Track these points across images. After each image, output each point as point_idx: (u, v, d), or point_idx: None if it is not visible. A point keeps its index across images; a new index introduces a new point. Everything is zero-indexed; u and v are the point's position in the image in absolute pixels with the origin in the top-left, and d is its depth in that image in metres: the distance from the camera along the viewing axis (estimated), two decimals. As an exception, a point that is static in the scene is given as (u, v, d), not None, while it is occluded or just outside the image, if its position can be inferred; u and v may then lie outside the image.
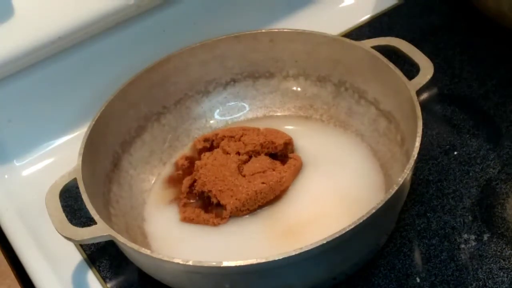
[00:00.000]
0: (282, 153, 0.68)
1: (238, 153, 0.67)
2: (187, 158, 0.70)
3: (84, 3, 0.68)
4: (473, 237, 0.60)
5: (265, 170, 0.65)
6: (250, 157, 0.67)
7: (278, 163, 0.66)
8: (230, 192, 0.63)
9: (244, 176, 0.65)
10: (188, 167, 0.69)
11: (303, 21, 0.84)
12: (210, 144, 0.71)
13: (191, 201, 0.66)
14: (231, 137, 0.70)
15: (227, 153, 0.68)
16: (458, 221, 0.61)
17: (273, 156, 0.68)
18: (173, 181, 0.69)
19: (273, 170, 0.65)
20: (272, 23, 0.83)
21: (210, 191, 0.64)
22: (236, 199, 0.62)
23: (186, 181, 0.67)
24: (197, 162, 0.67)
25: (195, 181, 0.66)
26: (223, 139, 0.70)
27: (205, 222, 0.63)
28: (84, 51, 0.73)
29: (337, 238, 0.49)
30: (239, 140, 0.69)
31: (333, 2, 0.87)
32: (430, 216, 0.62)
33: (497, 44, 0.78)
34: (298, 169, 0.66)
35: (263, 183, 0.63)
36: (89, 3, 0.69)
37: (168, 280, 0.57)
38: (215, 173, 0.65)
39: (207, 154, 0.68)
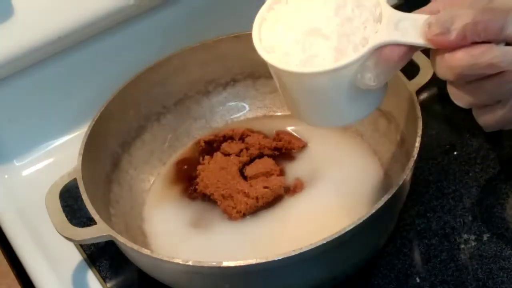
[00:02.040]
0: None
1: (238, 155, 0.68)
2: (187, 158, 0.70)
3: (84, 3, 0.68)
4: (473, 237, 0.60)
5: (268, 172, 0.65)
6: (251, 158, 0.67)
7: (279, 168, 0.66)
8: (231, 201, 0.63)
9: (246, 177, 0.65)
10: (188, 167, 0.69)
11: (303, 21, 0.83)
12: (211, 145, 0.71)
13: (194, 200, 0.66)
14: (232, 137, 0.70)
15: (228, 154, 0.68)
16: (458, 221, 0.61)
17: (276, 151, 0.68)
18: (173, 181, 0.69)
19: (278, 175, 0.65)
20: (272, 23, 0.82)
21: (212, 194, 0.64)
22: (237, 212, 0.63)
23: (185, 189, 0.67)
24: (199, 167, 0.67)
25: (197, 184, 0.66)
26: (224, 140, 0.70)
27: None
28: (84, 51, 0.73)
29: (337, 238, 0.49)
30: (243, 140, 0.69)
31: (333, 2, 0.87)
32: (430, 216, 0.62)
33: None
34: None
35: (265, 187, 0.63)
36: (89, 3, 0.68)
37: (168, 280, 0.57)
38: (216, 176, 0.65)
39: (207, 158, 0.68)
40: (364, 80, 0.46)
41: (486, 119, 0.47)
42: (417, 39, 0.44)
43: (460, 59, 0.43)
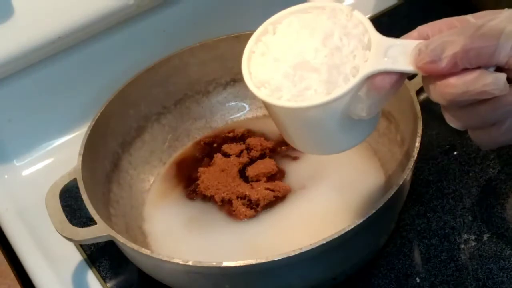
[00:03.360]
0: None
1: (238, 156, 0.68)
2: (187, 158, 0.70)
3: (84, 3, 0.68)
4: (473, 237, 0.60)
5: (269, 172, 0.65)
6: (251, 158, 0.68)
7: (280, 168, 0.66)
8: (231, 207, 0.63)
9: (247, 178, 0.65)
10: (188, 167, 0.69)
11: (303, 21, 0.83)
12: (211, 145, 0.71)
13: (193, 200, 0.66)
14: (233, 137, 0.70)
15: (228, 155, 0.68)
16: (458, 221, 0.61)
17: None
18: (173, 181, 0.69)
19: (280, 179, 0.65)
20: (272, 23, 0.83)
21: (212, 196, 0.64)
22: (237, 218, 0.63)
23: (185, 189, 0.67)
24: (200, 169, 0.67)
25: (197, 186, 0.66)
26: (224, 140, 0.70)
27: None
28: (84, 51, 0.73)
29: (337, 238, 0.49)
30: (243, 141, 0.69)
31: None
32: (430, 216, 0.62)
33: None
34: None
35: (267, 189, 0.63)
36: (89, 3, 0.69)
37: (168, 280, 0.57)
38: (217, 179, 0.65)
39: (207, 159, 0.68)
40: (356, 111, 0.46)
41: (482, 140, 0.47)
42: (407, 66, 0.44)
43: (452, 86, 0.42)
